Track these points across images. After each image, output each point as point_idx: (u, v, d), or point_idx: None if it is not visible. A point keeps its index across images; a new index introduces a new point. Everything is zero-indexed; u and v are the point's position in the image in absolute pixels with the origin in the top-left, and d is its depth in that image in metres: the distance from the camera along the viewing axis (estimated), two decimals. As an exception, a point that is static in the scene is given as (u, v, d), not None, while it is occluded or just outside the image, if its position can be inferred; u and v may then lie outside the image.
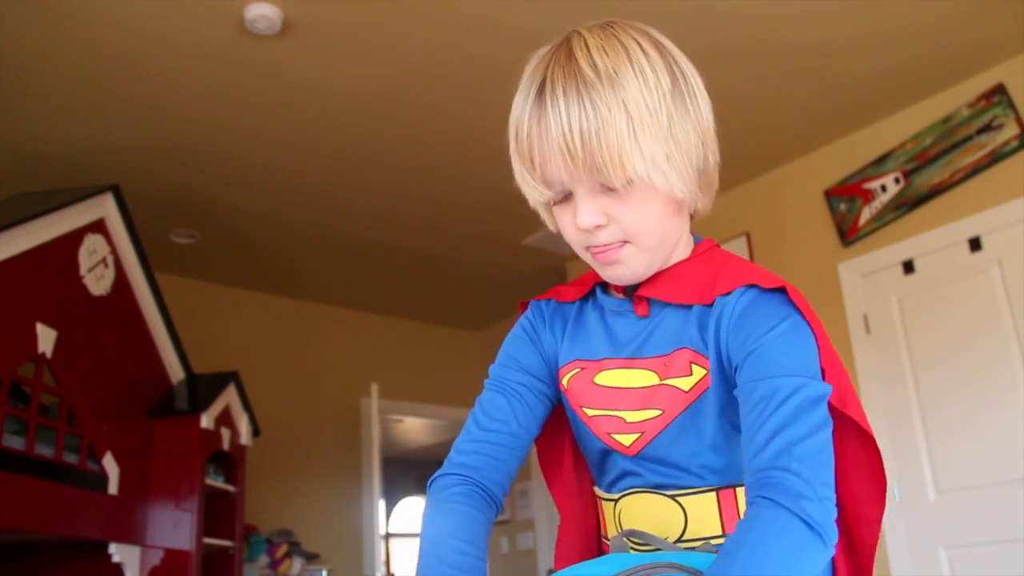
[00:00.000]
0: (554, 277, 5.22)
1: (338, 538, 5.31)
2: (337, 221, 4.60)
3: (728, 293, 0.93)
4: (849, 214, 3.90)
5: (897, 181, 3.76)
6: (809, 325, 0.91)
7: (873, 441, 0.92)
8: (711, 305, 0.94)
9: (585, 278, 1.07)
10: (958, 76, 3.57)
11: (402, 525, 9.95)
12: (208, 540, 3.65)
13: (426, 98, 3.51)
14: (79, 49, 3.07)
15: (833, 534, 0.82)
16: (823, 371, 0.90)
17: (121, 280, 3.53)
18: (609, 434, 0.99)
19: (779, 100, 3.66)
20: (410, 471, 9.52)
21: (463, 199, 4.41)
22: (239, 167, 3.97)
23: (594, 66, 0.89)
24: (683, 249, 1.00)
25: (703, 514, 0.95)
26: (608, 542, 1.04)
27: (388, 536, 9.51)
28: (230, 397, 4.01)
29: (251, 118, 3.58)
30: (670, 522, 0.96)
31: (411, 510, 9.98)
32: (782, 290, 0.91)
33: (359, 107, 3.55)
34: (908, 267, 3.71)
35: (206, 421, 3.68)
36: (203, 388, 3.90)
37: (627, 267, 0.95)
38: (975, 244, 3.51)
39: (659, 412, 0.96)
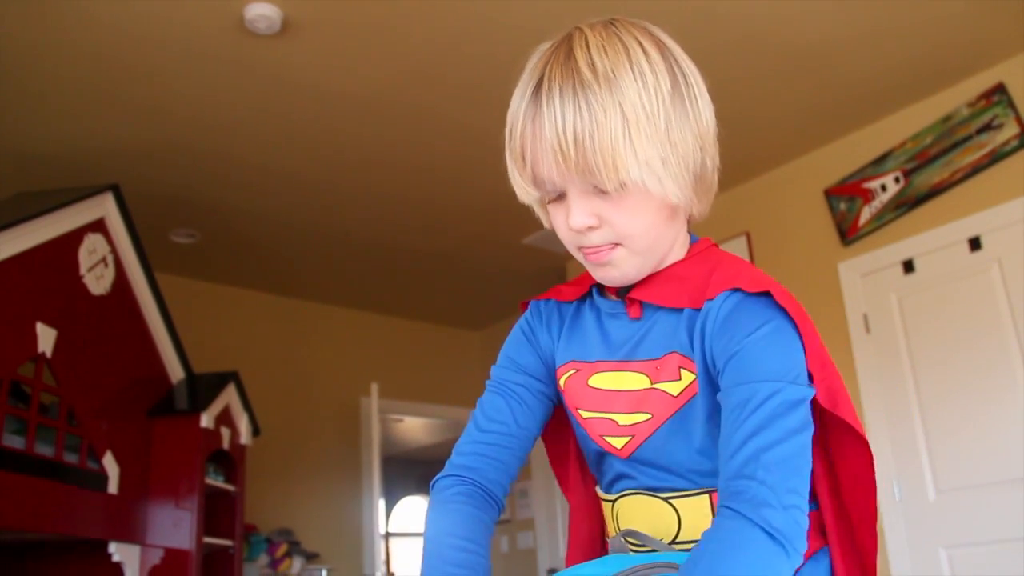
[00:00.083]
0: (554, 277, 5.22)
1: (338, 537, 5.32)
2: (337, 221, 4.60)
3: (714, 298, 0.92)
4: (849, 214, 3.90)
5: (897, 180, 3.76)
6: (796, 327, 0.89)
7: (865, 443, 0.91)
8: (701, 309, 0.93)
9: (583, 278, 1.07)
10: (958, 75, 3.57)
11: (402, 524, 9.95)
12: (208, 539, 3.65)
13: (426, 98, 3.51)
14: (79, 49, 3.07)
15: (799, 542, 0.80)
16: (811, 373, 0.89)
17: (121, 280, 3.53)
18: (602, 436, 1.00)
19: (779, 99, 3.66)
20: (410, 471, 9.52)
21: (463, 199, 4.41)
22: (239, 167, 3.97)
23: (592, 66, 0.87)
24: (678, 250, 0.99)
25: (696, 516, 0.95)
26: (608, 542, 1.04)
27: (388, 535, 9.51)
28: (230, 396, 4.01)
29: (251, 118, 3.58)
30: (664, 524, 0.96)
31: (411, 509, 9.98)
32: (767, 293, 0.90)
33: (359, 107, 3.55)
34: (908, 267, 3.71)
35: (206, 420, 3.68)
36: (203, 388, 3.90)
37: (618, 269, 0.94)
38: (975, 244, 3.51)
39: (649, 416, 0.96)
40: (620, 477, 1.01)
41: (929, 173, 3.66)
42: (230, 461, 4.02)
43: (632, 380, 0.97)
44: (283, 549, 4.63)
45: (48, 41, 3.01)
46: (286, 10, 2.93)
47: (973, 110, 3.54)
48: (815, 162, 4.08)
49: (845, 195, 3.93)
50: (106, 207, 3.46)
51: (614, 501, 1.02)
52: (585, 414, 1.01)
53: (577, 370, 1.02)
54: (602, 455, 1.02)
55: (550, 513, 5.73)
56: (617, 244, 0.92)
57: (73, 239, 3.24)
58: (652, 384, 0.96)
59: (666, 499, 0.96)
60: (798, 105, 3.70)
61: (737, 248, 4.18)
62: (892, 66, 3.45)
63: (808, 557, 0.94)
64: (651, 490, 0.98)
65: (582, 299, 1.06)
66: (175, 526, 3.50)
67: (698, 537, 0.93)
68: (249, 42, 3.08)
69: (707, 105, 0.94)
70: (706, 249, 1.00)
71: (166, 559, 3.46)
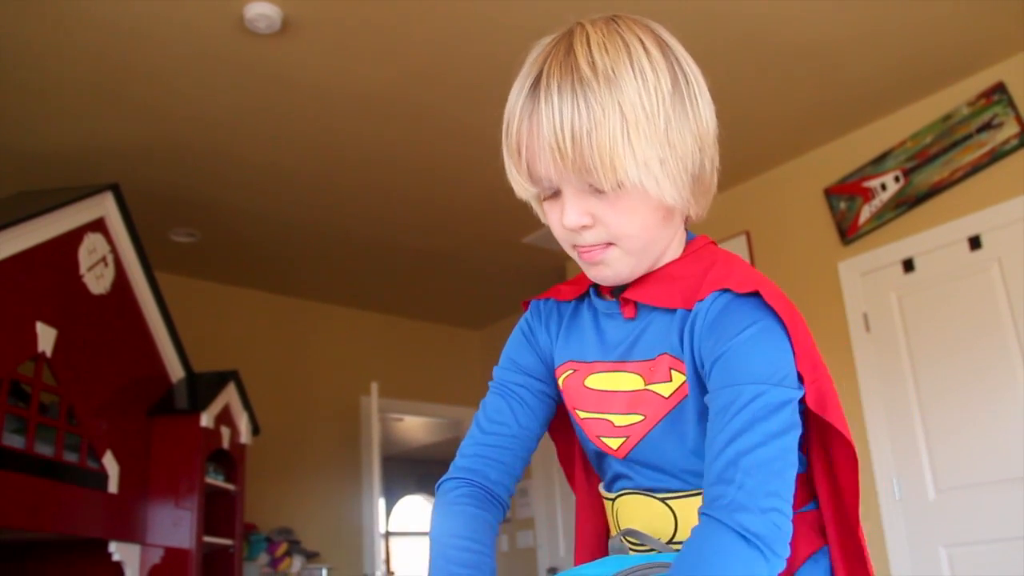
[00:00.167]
0: (554, 276, 5.22)
1: (338, 536, 5.32)
2: (337, 220, 4.60)
3: (704, 298, 0.91)
4: (849, 213, 3.90)
5: (897, 179, 3.76)
6: (784, 328, 0.88)
7: (851, 446, 0.90)
8: (692, 310, 0.92)
9: (581, 277, 1.06)
10: (958, 74, 3.57)
11: (402, 524, 9.96)
12: (208, 539, 3.65)
13: (426, 97, 3.51)
14: (79, 48, 3.07)
15: (778, 546, 0.80)
16: (801, 374, 0.87)
17: (121, 279, 3.53)
18: (599, 437, 1.00)
19: (779, 99, 3.66)
20: (410, 470, 9.52)
21: (463, 198, 4.41)
22: (239, 166, 3.97)
23: (592, 64, 0.86)
24: (675, 249, 0.98)
25: (692, 516, 0.94)
26: (608, 542, 1.04)
27: (388, 535, 9.52)
28: (230, 396, 4.01)
29: (251, 117, 3.58)
30: (662, 524, 0.96)
31: (411, 509, 9.98)
32: (756, 294, 0.88)
33: (359, 106, 3.55)
34: (908, 265, 3.71)
35: (206, 420, 3.68)
36: (203, 387, 3.90)
37: (611, 269, 0.94)
38: (975, 243, 3.51)
39: (642, 417, 0.95)
40: (618, 477, 1.01)
41: (929, 172, 3.66)
42: (230, 460, 4.02)
43: (627, 381, 0.97)
44: (283, 548, 4.63)
45: (48, 41, 3.01)
46: (286, 9, 2.93)
47: (973, 109, 3.54)
48: (815, 161, 4.08)
49: (845, 194, 3.93)
50: (106, 206, 3.46)
51: (614, 500, 1.02)
52: (583, 414, 1.01)
53: (574, 370, 1.02)
54: (601, 455, 1.02)
55: (550, 512, 5.73)
56: (611, 244, 0.91)
57: (73, 238, 3.24)
58: (646, 385, 0.95)
59: (663, 499, 0.96)
60: (798, 105, 3.70)
61: (737, 247, 4.18)
62: (892, 65, 3.45)
63: (807, 557, 0.94)
64: (648, 490, 0.98)
65: (580, 299, 1.06)
66: (175, 525, 3.50)
67: None
68: (249, 41, 3.08)
69: (708, 105, 0.93)
70: (702, 248, 0.99)
71: (166, 558, 3.46)
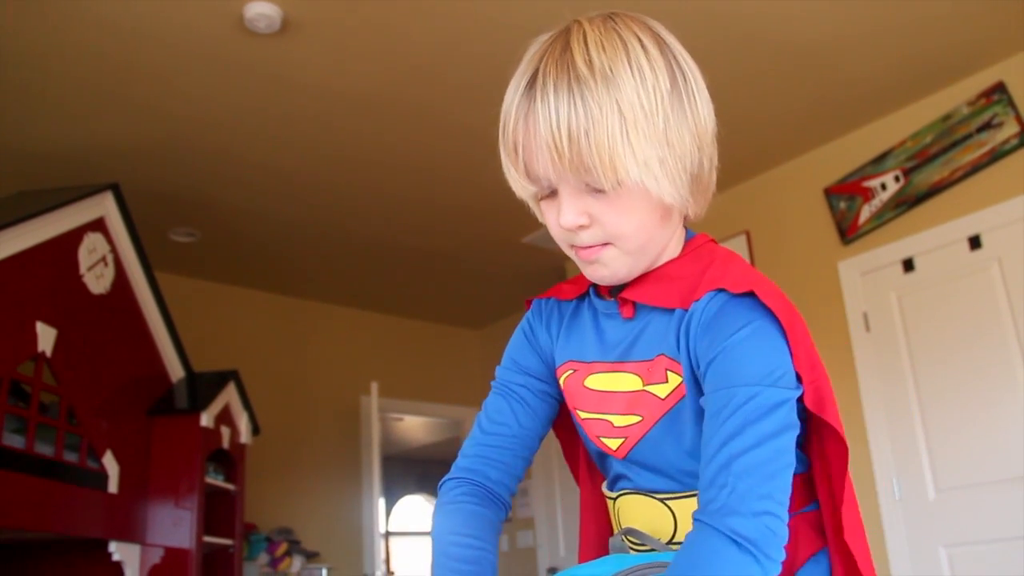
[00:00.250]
0: (554, 276, 5.22)
1: (338, 536, 5.32)
2: (337, 220, 4.60)
3: (700, 298, 0.90)
4: (849, 212, 3.90)
5: (897, 179, 3.76)
6: (780, 327, 0.87)
7: (845, 447, 0.90)
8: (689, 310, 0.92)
9: (582, 276, 1.06)
10: (958, 74, 3.57)
11: (402, 523, 9.96)
12: (208, 538, 3.65)
13: (426, 97, 3.51)
14: (79, 48, 3.07)
15: (771, 550, 0.79)
16: (799, 374, 0.87)
17: (121, 279, 3.53)
18: (599, 437, 1.00)
19: (779, 98, 3.66)
20: (410, 470, 9.52)
21: (463, 198, 4.41)
22: (239, 166, 3.97)
23: (589, 62, 0.85)
24: (673, 248, 0.97)
25: (691, 517, 0.95)
26: (609, 541, 1.04)
27: (388, 534, 9.51)
28: (230, 395, 4.01)
29: (251, 117, 3.58)
30: (662, 524, 0.96)
31: (411, 509, 9.98)
32: (751, 294, 0.87)
33: (359, 106, 3.55)
34: (908, 265, 3.71)
35: (206, 419, 3.68)
36: (203, 386, 3.90)
37: (608, 269, 0.93)
38: (975, 242, 3.51)
39: (640, 418, 0.95)
40: (619, 477, 1.01)
41: (929, 172, 3.66)
42: (230, 460, 4.02)
43: (626, 381, 0.96)
44: (283, 548, 4.63)
45: (48, 41, 3.01)
46: (286, 9, 2.93)
47: (973, 109, 3.54)
48: (815, 161, 4.08)
49: (845, 194, 3.93)
50: (106, 206, 3.46)
51: (615, 500, 1.02)
52: (583, 415, 1.01)
53: (575, 370, 1.02)
54: (603, 455, 1.02)
55: (550, 512, 5.73)
56: (608, 243, 0.91)
57: (73, 238, 3.24)
58: (644, 386, 0.95)
59: (662, 500, 0.96)
60: (798, 103, 3.70)
61: (737, 247, 4.18)
62: (892, 65, 3.45)
63: (808, 558, 0.93)
64: (648, 491, 0.98)
65: (581, 298, 1.05)
66: (175, 525, 3.50)
67: None
68: (249, 41, 3.08)
69: (706, 103, 0.92)
70: (700, 247, 0.98)
71: (166, 558, 3.46)
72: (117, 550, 3.31)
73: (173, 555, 3.46)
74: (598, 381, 0.99)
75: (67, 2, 2.82)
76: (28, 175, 3.84)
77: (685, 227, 1.00)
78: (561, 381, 1.04)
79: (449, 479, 1.03)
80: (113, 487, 3.29)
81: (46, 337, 2.99)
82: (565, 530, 5.60)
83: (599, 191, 0.87)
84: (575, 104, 0.84)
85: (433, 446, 8.61)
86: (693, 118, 0.89)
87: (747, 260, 0.99)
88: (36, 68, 3.16)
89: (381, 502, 5.84)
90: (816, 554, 0.94)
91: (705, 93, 0.93)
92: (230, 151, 3.84)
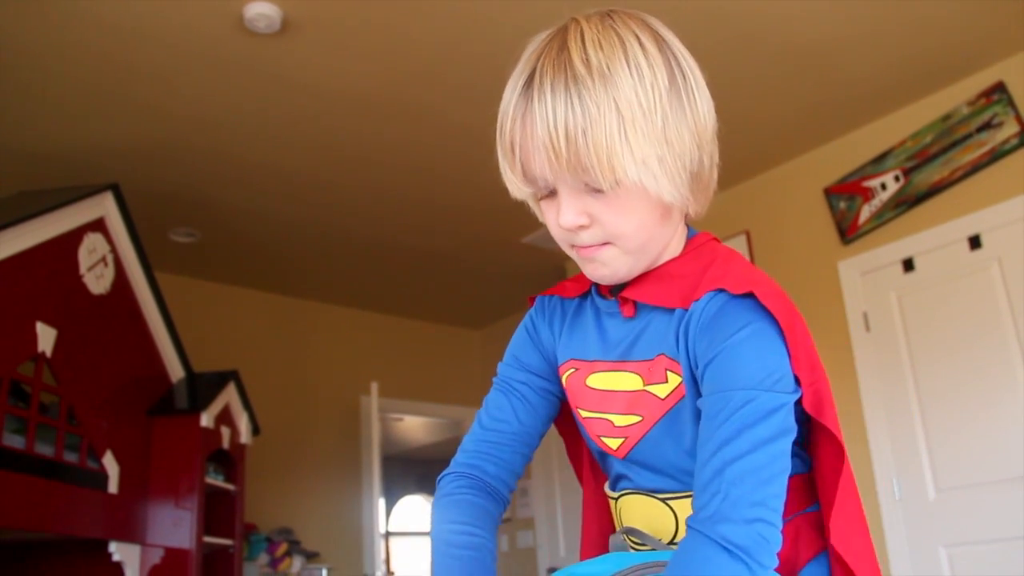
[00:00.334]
0: (554, 276, 5.22)
1: (338, 536, 5.32)
2: (337, 220, 4.60)
3: (700, 298, 0.89)
4: (849, 212, 3.90)
5: (897, 179, 3.76)
6: (779, 329, 0.86)
7: (843, 451, 0.89)
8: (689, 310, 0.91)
9: (584, 275, 1.07)
10: (958, 74, 3.57)
11: (402, 524, 9.96)
12: (208, 539, 3.65)
13: (426, 97, 3.51)
14: (79, 48, 3.06)
15: (763, 557, 0.78)
16: (798, 376, 0.86)
17: (121, 279, 3.53)
18: (600, 436, 1.00)
19: (779, 98, 3.66)
20: (410, 470, 9.52)
21: (463, 198, 4.41)
22: (239, 166, 3.97)
23: (586, 61, 0.84)
24: (674, 247, 0.96)
25: None
26: (609, 540, 1.04)
27: (388, 535, 9.51)
28: (230, 396, 4.01)
29: (251, 117, 3.58)
30: (663, 524, 0.96)
31: (411, 509, 9.98)
32: (751, 295, 0.86)
33: (358, 106, 3.55)
34: (908, 265, 3.71)
35: (206, 420, 3.68)
36: (203, 387, 3.90)
37: (608, 268, 0.92)
38: (975, 242, 3.51)
39: (640, 418, 0.95)
40: (620, 477, 1.01)
41: (929, 171, 3.65)
42: (230, 460, 4.02)
43: (627, 381, 0.96)
44: (283, 548, 4.63)
45: (49, 41, 3.01)
46: (286, 9, 2.93)
47: (973, 108, 3.54)
48: (815, 161, 4.08)
49: (845, 194, 3.93)
50: (106, 206, 3.46)
51: (617, 499, 1.02)
52: (584, 413, 1.01)
53: (576, 369, 1.02)
54: (604, 454, 1.02)
55: (550, 512, 5.73)
56: (608, 243, 0.90)
57: (73, 238, 3.24)
58: (644, 386, 0.94)
59: (663, 500, 0.96)
60: (798, 103, 3.70)
61: (737, 247, 4.18)
62: (892, 65, 3.45)
63: (811, 559, 0.93)
64: (649, 491, 0.97)
65: (584, 296, 1.05)
66: (175, 525, 3.50)
67: None
68: (249, 41, 3.08)
69: (706, 101, 0.91)
70: (702, 245, 0.97)
71: (166, 558, 3.46)
72: (117, 550, 3.31)
73: (173, 555, 3.46)
74: (599, 380, 0.99)
75: (67, 2, 2.82)
76: (28, 175, 3.84)
77: (687, 225, 0.99)
78: (563, 379, 1.04)
79: (447, 474, 1.04)
80: (113, 487, 3.29)
81: (46, 337, 2.99)
82: (565, 530, 5.60)
83: (598, 191, 0.86)
84: (572, 104, 0.83)
85: (433, 446, 8.61)
86: (692, 116, 0.88)
87: (743, 258, 0.97)
88: (36, 68, 3.16)
89: (381, 502, 5.84)
90: (819, 555, 0.93)
91: (705, 90, 0.92)
92: (230, 151, 3.84)
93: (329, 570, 4.87)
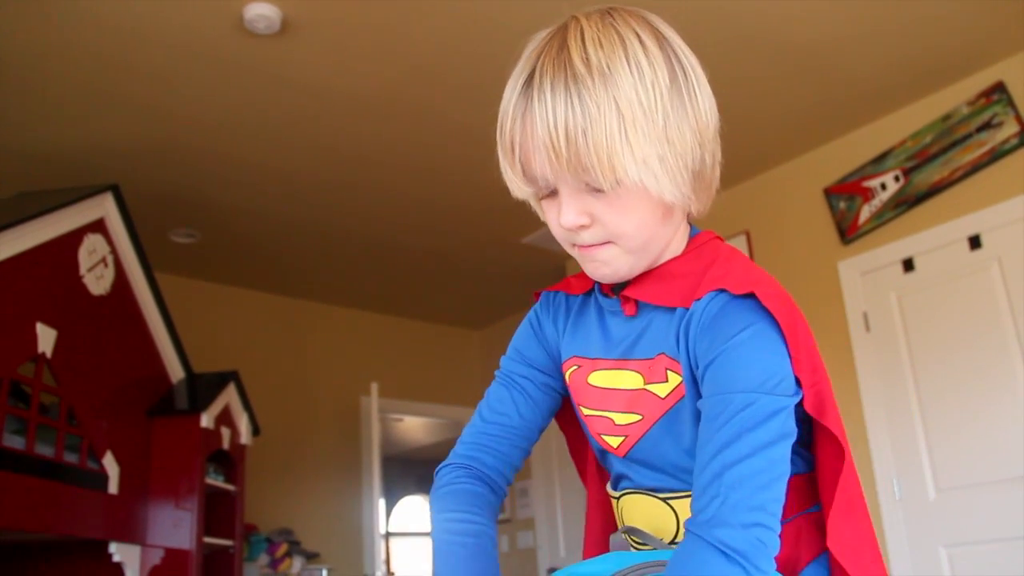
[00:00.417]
0: (554, 276, 5.22)
1: (338, 537, 5.32)
2: (337, 220, 4.60)
3: (701, 298, 0.89)
4: (849, 212, 3.90)
5: (897, 179, 3.76)
6: (780, 330, 0.85)
7: (842, 454, 0.88)
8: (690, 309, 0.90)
9: None
10: (958, 74, 3.57)
11: (402, 524, 9.95)
12: (208, 539, 3.65)
13: (426, 97, 3.51)
14: (79, 49, 3.06)
15: (761, 561, 0.78)
16: (800, 378, 0.85)
17: (121, 280, 3.53)
18: (600, 435, 1.00)
19: (779, 98, 3.66)
20: (410, 470, 9.52)
21: (463, 198, 4.41)
22: (239, 166, 3.97)
23: (586, 59, 0.84)
24: (676, 246, 0.96)
25: None
26: (610, 539, 1.04)
27: (388, 535, 9.51)
28: (230, 396, 4.01)
29: (250, 117, 3.58)
30: (663, 523, 0.96)
31: (411, 509, 9.98)
32: (752, 295, 0.86)
33: (358, 106, 3.55)
34: (908, 265, 3.71)
35: (206, 420, 3.68)
36: (203, 387, 3.90)
37: (609, 267, 0.92)
38: (975, 242, 3.51)
39: (640, 417, 0.95)
40: (621, 476, 1.01)
41: (929, 171, 3.66)
42: (230, 461, 4.02)
43: (628, 379, 0.96)
44: (283, 549, 4.63)
45: (48, 41, 3.01)
46: (285, 10, 2.93)
47: (973, 108, 3.54)
48: (815, 161, 4.08)
49: (845, 194, 3.93)
50: (106, 207, 3.46)
51: (618, 499, 1.02)
52: (586, 411, 1.01)
53: (579, 366, 1.02)
54: (605, 452, 1.02)
55: (550, 512, 5.73)
56: (610, 242, 0.90)
57: (73, 239, 3.24)
58: (644, 384, 0.94)
59: (664, 499, 0.96)
60: (798, 103, 3.70)
61: (737, 247, 4.16)
62: (892, 65, 3.45)
63: (813, 559, 0.93)
64: (649, 490, 0.97)
65: (588, 293, 1.05)
66: (175, 526, 3.50)
67: None
68: (249, 42, 3.08)
69: (708, 99, 0.90)
70: (705, 243, 0.97)
71: (166, 559, 3.46)
72: (117, 551, 3.31)
73: (173, 556, 3.46)
74: (601, 378, 0.99)
75: (67, 2, 2.82)
76: (28, 176, 3.84)
77: (690, 224, 0.99)
78: (566, 376, 1.04)
79: (445, 465, 1.04)
80: (113, 488, 3.29)
81: (46, 338, 2.99)
82: (565, 530, 5.60)
83: (599, 190, 0.86)
84: (572, 103, 0.83)
85: (433, 447, 8.60)
86: (694, 114, 0.88)
87: (745, 257, 0.97)
88: (36, 68, 3.16)
89: (381, 503, 5.84)
90: (820, 555, 0.93)
91: (707, 88, 0.91)
92: (230, 151, 3.84)
93: (329, 571, 4.87)
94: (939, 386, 3.53)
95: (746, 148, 4.01)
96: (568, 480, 5.54)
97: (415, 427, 8.16)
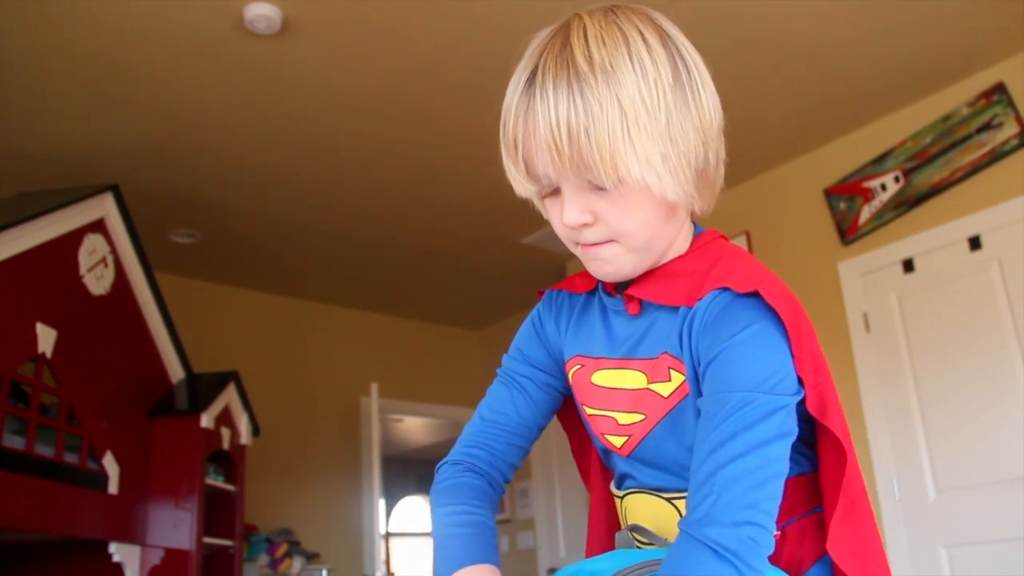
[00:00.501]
0: (554, 276, 5.22)
1: (338, 537, 5.32)
2: (337, 220, 4.60)
3: (704, 297, 0.88)
4: (849, 213, 3.90)
5: (897, 180, 3.76)
6: (784, 329, 0.85)
7: (844, 455, 0.88)
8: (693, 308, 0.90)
9: None
10: (958, 75, 3.57)
11: (402, 524, 9.95)
12: (208, 539, 3.65)
13: (426, 97, 3.51)
14: (79, 49, 3.06)
15: (753, 560, 0.77)
16: (802, 378, 0.85)
17: (121, 280, 3.53)
18: (604, 434, 0.99)
19: (779, 99, 3.66)
20: (410, 471, 9.52)
21: (463, 199, 4.41)
22: (239, 166, 3.97)
23: (589, 57, 0.84)
24: (680, 245, 0.95)
25: None
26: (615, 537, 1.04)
27: (388, 535, 9.51)
28: (230, 396, 4.01)
29: (251, 117, 3.58)
30: (668, 523, 0.96)
31: (411, 509, 9.98)
32: (756, 294, 0.85)
33: (358, 106, 3.55)
34: (908, 266, 3.71)
35: (206, 420, 3.68)
36: (203, 387, 3.90)
37: (612, 266, 0.92)
38: (975, 243, 3.51)
39: (643, 417, 0.94)
40: (625, 476, 1.01)
41: (929, 172, 3.66)
42: (230, 461, 4.02)
43: (631, 379, 0.96)
44: (283, 549, 4.63)
45: (49, 41, 3.01)
46: (286, 10, 2.93)
47: (973, 109, 3.54)
48: (815, 161, 4.08)
49: (845, 194, 3.93)
50: (106, 207, 3.46)
51: (622, 498, 1.02)
52: (589, 411, 1.01)
53: (582, 365, 1.01)
54: (608, 452, 1.02)
55: (550, 513, 5.73)
56: (613, 240, 0.90)
57: (73, 239, 3.24)
58: (648, 384, 0.94)
59: (668, 499, 0.96)
60: (798, 104, 3.70)
61: (737, 247, 4.17)
62: (892, 65, 3.45)
63: (817, 559, 0.92)
64: (654, 489, 0.97)
65: (592, 292, 1.04)
66: (175, 526, 3.50)
67: None
68: (249, 42, 3.08)
69: (711, 96, 0.90)
70: (709, 243, 0.96)
71: (166, 559, 3.46)
72: (117, 551, 3.30)
73: (173, 556, 3.46)
74: (605, 377, 0.98)
75: (67, 2, 2.82)
76: (28, 176, 3.84)
77: (693, 223, 0.98)
78: (570, 375, 1.04)
79: (444, 463, 1.05)
80: (113, 488, 3.29)
81: (46, 338, 2.99)
82: (565, 531, 5.60)
83: (601, 189, 0.86)
84: (575, 101, 0.83)
85: (433, 447, 8.60)
86: (697, 112, 0.87)
87: (750, 256, 0.96)
88: (36, 68, 3.16)
89: (381, 503, 5.84)
90: (825, 556, 0.92)
91: (710, 86, 0.91)
92: (230, 152, 3.84)
93: (329, 571, 4.87)
94: (939, 386, 3.53)
95: (746, 148, 4.01)
96: (568, 480, 5.54)
97: (415, 427, 8.15)
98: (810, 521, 0.94)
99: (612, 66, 0.84)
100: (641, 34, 0.87)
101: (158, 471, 3.58)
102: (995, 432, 3.34)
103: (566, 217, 0.89)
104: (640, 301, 0.96)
